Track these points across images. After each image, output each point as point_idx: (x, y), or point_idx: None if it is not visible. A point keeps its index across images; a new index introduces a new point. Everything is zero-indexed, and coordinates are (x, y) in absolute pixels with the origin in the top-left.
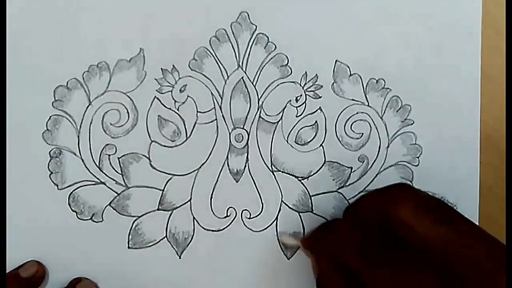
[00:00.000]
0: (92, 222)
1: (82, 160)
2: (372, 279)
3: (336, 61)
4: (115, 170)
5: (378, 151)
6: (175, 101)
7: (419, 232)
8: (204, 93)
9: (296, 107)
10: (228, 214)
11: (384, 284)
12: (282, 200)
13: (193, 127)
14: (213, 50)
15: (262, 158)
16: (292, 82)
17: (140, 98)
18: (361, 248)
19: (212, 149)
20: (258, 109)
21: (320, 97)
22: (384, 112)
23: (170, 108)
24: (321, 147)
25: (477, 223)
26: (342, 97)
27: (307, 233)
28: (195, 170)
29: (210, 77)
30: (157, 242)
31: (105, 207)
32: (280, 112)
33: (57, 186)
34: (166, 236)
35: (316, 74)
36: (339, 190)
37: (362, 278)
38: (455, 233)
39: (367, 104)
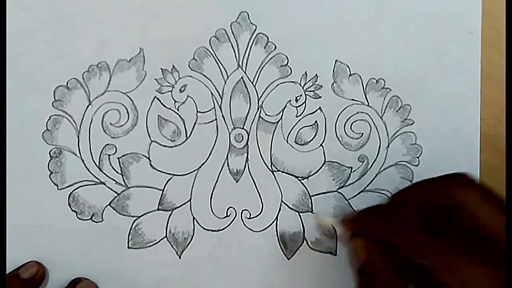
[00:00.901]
0: (92, 222)
1: (82, 160)
2: (434, 265)
3: (336, 61)
4: (115, 170)
5: (378, 151)
6: (175, 101)
7: (485, 220)
8: (204, 93)
9: (296, 107)
10: (228, 214)
11: (447, 270)
12: (282, 200)
13: (193, 127)
14: (213, 50)
15: (262, 158)
16: (292, 82)
17: (140, 98)
18: (420, 233)
19: (212, 149)
20: (258, 109)
21: (320, 97)
22: (384, 112)
23: (170, 108)
24: (321, 147)
25: None
26: (342, 97)
27: (347, 214)
28: (195, 170)
29: (210, 77)
30: (157, 242)
31: (105, 207)
32: (280, 112)
33: (57, 186)
34: (166, 236)
35: (316, 74)
36: (339, 190)
37: (421, 266)
38: None
39: (367, 104)
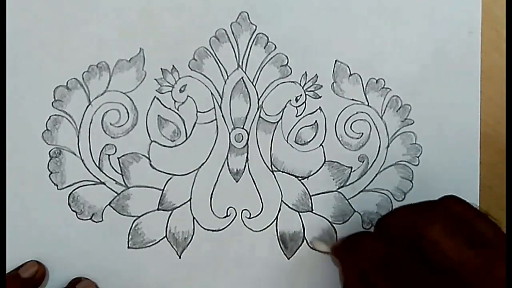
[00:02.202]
0: (92, 222)
1: (82, 160)
2: None
3: (336, 61)
4: (115, 170)
5: (378, 151)
6: (175, 101)
7: (448, 254)
8: (204, 93)
9: (296, 107)
10: (228, 214)
11: None
12: (282, 200)
13: (193, 127)
14: (213, 50)
15: (262, 158)
16: (292, 82)
17: (140, 98)
18: (387, 264)
19: (212, 149)
20: (258, 109)
21: (320, 97)
22: (384, 112)
23: (170, 108)
24: (321, 146)
25: None
26: (342, 97)
27: (338, 240)
28: (195, 170)
29: (210, 77)
30: (157, 242)
31: (105, 207)
32: (280, 112)
33: (57, 186)
34: (166, 236)
35: (316, 74)
36: (339, 190)
37: None
38: (482, 259)
39: (367, 104)
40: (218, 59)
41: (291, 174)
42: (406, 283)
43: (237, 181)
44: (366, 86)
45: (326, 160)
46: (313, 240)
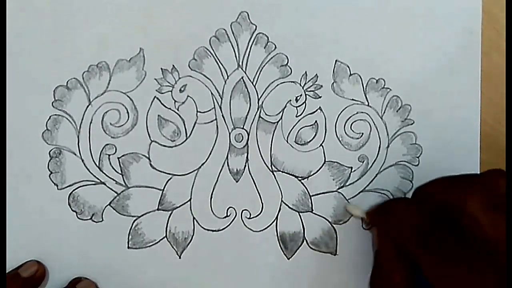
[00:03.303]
0: (92, 222)
1: (82, 160)
2: (428, 264)
3: (336, 61)
4: (115, 170)
5: (378, 151)
6: (175, 101)
7: (485, 230)
8: (204, 93)
9: (296, 107)
10: (228, 214)
11: (438, 272)
12: (282, 200)
13: (193, 127)
14: (213, 50)
15: (262, 158)
16: (292, 82)
17: (140, 98)
18: (422, 233)
19: (212, 149)
20: (258, 109)
21: (320, 97)
22: (384, 112)
23: (170, 108)
24: (321, 147)
25: None
26: (342, 97)
27: (374, 205)
28: (195, 170)
29: (210, 77)
30: (157, 242)
31: (105, 207)
32: (280, 112)
33: (57, 186)
34: (166, 236)
35: (316, 74)
36: (339, 190)
37: (417, 260)
38: None
39: (367, 104)
40: (218, 59)
41: (291, 174)
42: (439, 253)
43: (237, 181)
44: (366, 86)
45: (326, 160)
46: (347, 205)
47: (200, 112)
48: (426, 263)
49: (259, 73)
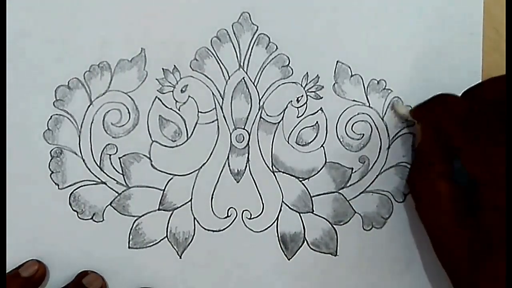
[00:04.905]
0: (92, 221)
1: (83, 160)
2: (469, 157)
3: (337, 61)
4: (116, 170)
5: (379, 152)
6: (176, 101)
7: None
8: (205, 93)
9: (297, 107)
10: (229, 215)
11: (480, 169)
12: (282, 201)
13: (194, 127)
14: (214, 51)
15: (263, 159)
16: (293, 82)
17: (141, 98)
18: (467, 124)
19: (213, 150)
20: (259, 110)
21: (321, 97)
22: (385, 113)
23: (171, 108)
24: (322, 147)
25: None
26: (343, 97)
27: (419, 103)
28: (196, 170)
29: (211, 77)
30: (158, 242)
31: (106, 207)
32: (281, 113)
33: (58, 185)
34: (166, 236)
35: (317, 75)
36: (339, 191)
37: (459, 153)
38: None
39: (368, 105)
40: (220, 60)
41: (291, 175)
42: (484, 149)
43: (238, 182)
44: (367, 87)
45: (327, 161)
46: (394, 104)
47: (201, 112)
48: (467, 155)
49: (261, 74)
